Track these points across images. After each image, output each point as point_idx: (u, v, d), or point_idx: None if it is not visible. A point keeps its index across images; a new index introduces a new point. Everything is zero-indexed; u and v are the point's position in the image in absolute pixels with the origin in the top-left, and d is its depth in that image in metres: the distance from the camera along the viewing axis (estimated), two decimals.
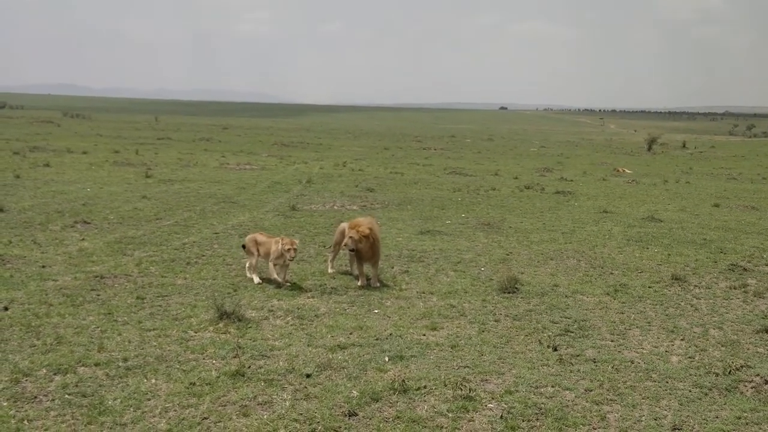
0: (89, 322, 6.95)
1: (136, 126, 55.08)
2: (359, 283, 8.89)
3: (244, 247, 9.21)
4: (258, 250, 8.92)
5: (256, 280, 8.80)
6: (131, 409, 5.08)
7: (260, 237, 9.13)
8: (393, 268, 9.82)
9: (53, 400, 5.18)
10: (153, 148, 31.50)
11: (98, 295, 7.87)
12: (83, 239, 10.84)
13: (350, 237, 8.88)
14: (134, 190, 16.81)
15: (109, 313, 7.23)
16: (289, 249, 8.53)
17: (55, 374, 5.63)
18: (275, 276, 8.70)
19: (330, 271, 9.55)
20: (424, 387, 5.68)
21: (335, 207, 15.64)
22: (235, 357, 6.10)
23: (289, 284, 8.69)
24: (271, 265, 8.72)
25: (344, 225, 9.68)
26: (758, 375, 6.08)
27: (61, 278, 8.49)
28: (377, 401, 5.38)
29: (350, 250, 9.00)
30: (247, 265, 9.08)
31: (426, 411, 5.26)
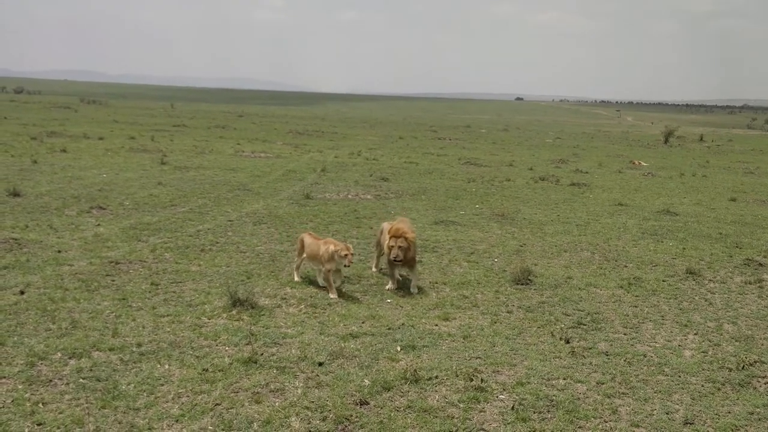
0: (104, 307, 7.02)
1: (152, 113, 55.35)
2: (390, 286, 8.32)
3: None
4: (303, 251, 8.31)
5: (296, 278, 8.39)
6: (144, 394, 5.14)
7: (307, 238, 8.42)
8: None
9: (68, 383, 5.25)
10: (168, 134, 31.64)
11: (113, 281, 7.94)
12: (99, 225, 10.94)
13: (399, 247, 8.04)
14: (150, 176, 16.91)
15: (124, 299, 7.31)
16: (345, 255, 7.74)
17: (70, 358, 5.70)
18: (321, 282, 8.14)
19: (373, 270, 9.08)
20: (436, 377, 5.69)
21: (349, 196, 15.64)
22: (247, 344, 6.15)
23: (335, 298, 7.78)
24: (318, 270, 8.15)
25: (386, 225, 9.07)
26: None
27: (77, 263, 8.58)
28: (389, 390, 5.40)
29: (398, 261, 8.11)
30: (294, 265, 8.58)
31: (437, 401, 5.27)
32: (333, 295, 7.81)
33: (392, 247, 8.09)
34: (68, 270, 8.26)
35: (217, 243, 10.16)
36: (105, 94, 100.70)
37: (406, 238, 8.10)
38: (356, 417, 4.95)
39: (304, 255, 8.29)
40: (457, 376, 5.72)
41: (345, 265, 7.84)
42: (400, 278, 8.54)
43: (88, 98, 73.57)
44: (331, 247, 7.85)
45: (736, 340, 6.97)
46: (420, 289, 8.25)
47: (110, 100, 79.03)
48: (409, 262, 8.20)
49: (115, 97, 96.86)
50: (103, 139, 26.98)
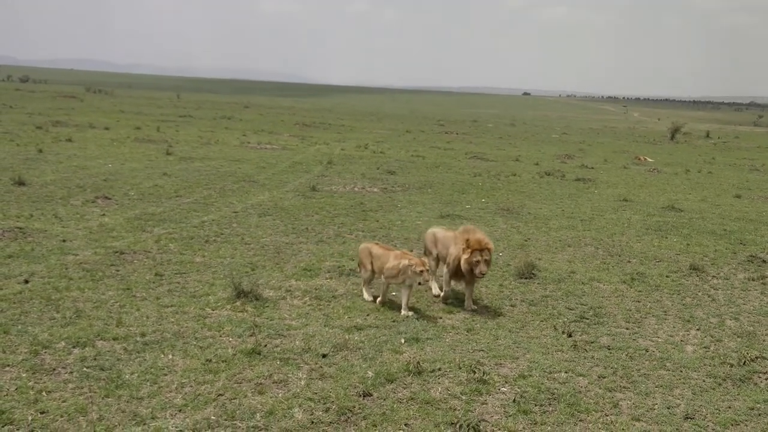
0: (108, 296, 7.06)
1: (158, 103, 55.40)
2: (436, 293, 7.77)
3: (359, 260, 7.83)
4: (372, 265, 7.49)
5: (367, 296, 7.55)
6: (148, 384, 5.17)
7: (375, 249, 7.59)
8: (412, 251, 9.81)
9: (71, 372, 5.29)
10: (174, 125, 31.68)
11: (117, 271, 7.98)
12: (104, 215, 10.98)
13: (485, 261, 7.24)
14: (155, 166, 16.95)
15: (128, 289, 7.34)
16: (421, 271, 7.00)
17: (73, 347, 5.74)
18: (388, 298, 7.41)
19: (436, 292, 7.97)
20: (439, 369, 5.72)
21: (356, 189, 15.65)
22: (251, 335, 6.17)
23: (412, 314, 7.12)
24: (385, 284, 7.35)
25: (435, 230, 8.38)
26: None
27: (82, 253, 8.62)
28: (392, 382, 5.43)
29: (483, 276, 7.37)
30: (362, 281, 7.73)
31: (440, 393, 5.29)
32: (407, 312, 7.14)
33: (477, 261, 7.22)
34: (73, 259, 8.30)
35: (222, 234, 10.19)
36: (111, 84, 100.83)
37: (489, 251, 7.33)
38: (359, 408, 4.98)
39: (373, 268, 7.51)
40: (460, 368, 5.74)
41: (419, 283, 7.11)
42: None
43: (94, 88, 73.67)
44: (405, 262, 7.10)
45: (738, 336, 6.98)
46: (476, 304, 7.56)
47: (116, 89, 79.12)
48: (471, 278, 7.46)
49: (121, 86, 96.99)
50: (108, 129, 27.04)
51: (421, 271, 7.00)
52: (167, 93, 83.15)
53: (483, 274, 7.32)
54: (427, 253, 8.33)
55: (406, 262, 7.09)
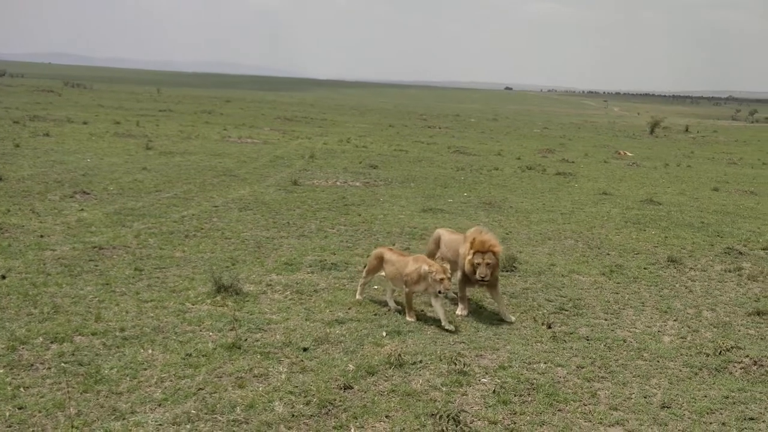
0: (87, 292, 7.00)
1: (138, 97, 54.83)
2: (461, 311, 7.13)
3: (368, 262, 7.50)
4: (378, 269, 7.20)
5: (358, 296, 7.33)
6: (127, 379, 5.14)
7: (389, 254, 7.20)
8: (395, 245, 9.84)
9: (49, 368, 5.24)
10: (154, 119, 31.39)
11: (96, 266, 7.91)
12: (82, 209, 10.86)
13: (487, 264, 6.83)
14: (134, 161, 16.80)
15: (107, 284, 7.28)
16: (442, 279, 6.55)
17: (51, 343, 5.68)
18: (410, 307, 6.87)
19: (459, 313, 7.30)
20: (420, 361, 5.75)
21: (338, 183, 15.63)
22: (231, 330, 6.15)
23: (413, 320, 6.78)
24: (407, 293, 6.85)
25: (440, 232, 7.98)
26: (748, 356, 6.14)
27: (60, 248, 8.53)
28: (373, 375, 5.44)
29: (485, 281, 6.94)
30: (387, 293, 7.31)
31: (421, 385, 5.32)
32: (411, 318, 6.81)
33: (478, 264, 6.84)
34: (51, 255, 8.21)
35: (202, 229, 10.13)
36: (90, 78, 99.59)
37: (494, 253, 6.91)
38: (340, 401, 4.99)
39: (382, 273, 7.21)
40: (441, 360, 5.77)
41: (439, 291, 6.63)
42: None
43: (72, 82, 72.75)
44: (425, 267, 6.68)
45: (714, 327, 7.08)
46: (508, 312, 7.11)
47: (95, 84, 78.15)
48: (493, 282, 7.05)
49: (99, 81, 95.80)
50: (87, 123, 26.72)
51: (442, 279, 6.54)
52: (147, 87, 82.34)
53: (483, 278, 6.86)
54: (428, 254, 7.83)
55: (426, 267, 6.66)
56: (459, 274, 7.23)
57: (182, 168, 16.22)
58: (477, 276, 6.90)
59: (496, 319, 7.00)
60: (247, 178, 15.38)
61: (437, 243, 7.84)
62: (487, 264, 6.83)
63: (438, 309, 6.71)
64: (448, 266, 6.79)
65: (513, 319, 6.95)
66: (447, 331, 6.53)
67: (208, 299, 6.99)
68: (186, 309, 6.71)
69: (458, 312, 7.11)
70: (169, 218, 10.67)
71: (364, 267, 7.54)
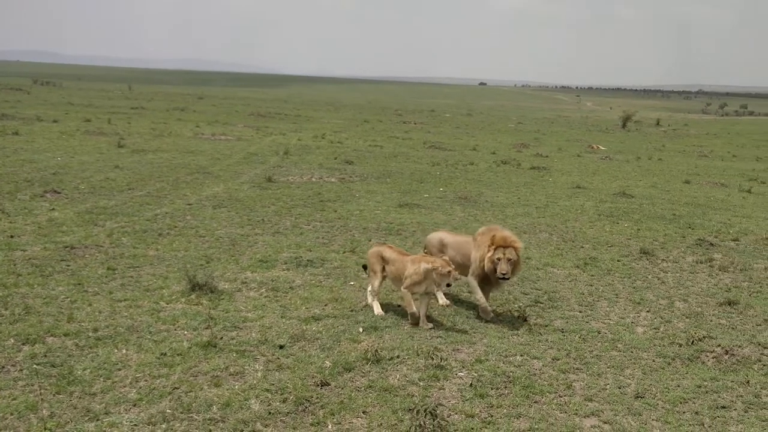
0: (59, 292, 6.88)
1: (109, 95, 54.04)
2: (486, 316, 6.84)
3: (365, 267, 7.28)
4: (384, 270, 6.91)
5: (377, 310, 6.83)
6: (101, 379, 5.07)
7: (389, 252, 6.96)
8: (371, 241, 9.84)
9: (21, 370, 5.15)
10: (126, 117, 30.96)
11: (68, 266, 7.78)
12: (53, 209, 10.68)
13: (508, 260, 6.62)
14: (106, 159, 16.55)
15: (79, 284, 7.17)
16: (448, 272, 6.38)
17: (23, 344, 5.59)
18: (414, 309, 6.60)
19: (441, 302, 7.25)
20: (397, 357, 5.75)
21: (313, 179, 15.57)
22: (207, 328, 6.10)
23: (432, 326, 6.53)
24: (407, 293, 6.62)
25: (441, 234, 7.72)
26: (719, 345, 6.25)
27: (30, 248, 8.38)
28: (350, 371, 5.44)
29: (506, 278, 6.72)
30: (368, 289, 7.09)
31: (398, 380, 5.32)
32: (426, 324, 6.53)
33: (499, 259, 6.62)
34: (21, 255, 8.06)
35: (176, 227, 10.02)
36: (59, 76, 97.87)
37: (515, 249, 6.70)
38: (317, 398, 4.97)
39: (386, 274, 6.91)
40: (418, 355, 5.79)
41: (447, 285, 6.44)
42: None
43: (41, 80, 71.42)
44: (427, 266, 6.47)
45: (686, 317, 7.20)
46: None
47: (65, 81, 76.86)
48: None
49: (69, 78, 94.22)
50: (57, 121, 26.26)
51: (449, 272, 6.35)
52: (118, 84, 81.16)
53: (504, 275, 6.62)
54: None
55: (428, 265, 6.44)
56: (471, 278, 6.94)
57: (155, 166, 16.03)
58: (498, 273, 6.63)
59: (472, 313, 7.03)
60: (221, 176, 15.25)
61: (440, 247, 7.45)
62: (509, 260, 6.62)
63: (422, 308, 6.61)
64: (448, 259, 6.65)
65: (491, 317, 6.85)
66: (427, 328, 6.47)
67: (182, 298, 6.92)
68: (160, 308, 6.63)
69: (486, 318, 6.80)
70: (142, 217, 10.54)
71: (365, 269, 7.21)
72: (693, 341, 6.35)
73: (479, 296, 6.92)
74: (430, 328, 6.48)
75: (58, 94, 50.53)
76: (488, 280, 6.89)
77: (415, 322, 6.54)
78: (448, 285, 6.44)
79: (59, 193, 12.00)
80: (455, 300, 7.44)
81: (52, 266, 7.72)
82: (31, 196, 11.63)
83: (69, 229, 9.48)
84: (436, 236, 7.72)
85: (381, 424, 4.65)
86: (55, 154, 17.06)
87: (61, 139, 20.56)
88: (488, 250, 6.71)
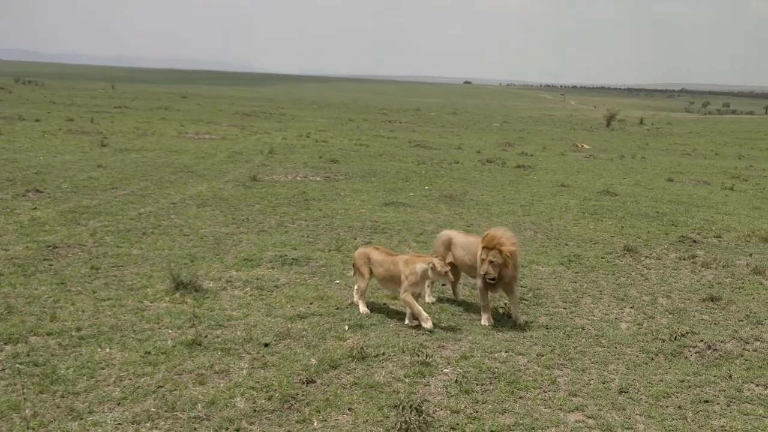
0: (41, 291, 6.82)
1: (92, 94, 53.58)
2: (485, 321, 6.65)
3: (354, 266, 7.06)
4: (371, 272, 6.79)
5: (363, 309, 6.76)
6: (84, 378, 5.03)
7: (376, 254, 6.83)
8: (356, 239, 9.83)
9: (3, 369, 5.09)
10: (109, 116, 30.71)
11: (51, 265, 7.71)
12: (35, 208, 10.57)
13: (490, 261, 6.41)
14: (89, 158, 16.41)
15: (62, 283, 7.10)
16: (446, 272, 6.38)
17: (5, 344, 5.53)
18: (419, 308, 6.44)
19: (428, 300, 7.21)
20: (383, 354, 5.75)
21: (298, 178, 15.54)
22: (191, 327, 6.06)
23: (416, 324, 6.44)
24: (408, 295, 6.43)
25: (451, 234, 7.52)
26: (702, 341, 6.31)
27: (12, 248, 8.29)
28: (335, 368, 5.43)
29: (490, 280, 6.54)
30: (355, 287, 6.99)
31: (383, 377, 5.33)
32: (428, 324, 6.35)
33: (482, 260, 6.48)
34: (3, 255, 7.97)
35: (160, 226, 9.96)
36: (41, 75, 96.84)
37: (500, 251, 6.42)
38: (302, 395, 4.97)
39: (371, 276, 6.81)
40: (404, 352, 5.79)
41: (442, 284, 6.33)
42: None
43: (23, 79, 70.66)
44: (424, 265, 6.37)
45: (669, 313, 7.27)
46: (522, 315, 6.87)
47: (47, 80, 76.08)
48: (508, 283, 6.68)
49: (52, 77, 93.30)
50: (39, 120, 26.01)
51: (446, 272, 6.33)
52: (101, 83, 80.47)
53: (485, 276, 6.47)
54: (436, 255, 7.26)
55: (422, 265, 6.34)
56: (479, 280, 6.73)
57: (138, 165, 15.92)
58: (480, 271, 6.52)
59: (458, 310, 7.06)
60: (205, 175, 15.17)
61: (447, 246, 7.28)
62: (490, 262, 6.40)
63: (422, 309, 6.49)
64: (442, 257, 6.57)
65: (523, 320, 6.72)
66: (426, 329, 6.35)
67: (166, 296, 6.88)
68: (144, 307, 6.59)
69: (483, 323, 6.62)
70: (125, 216, 10.46)
71: (353, 272, 7.10)
72: (676, 337, 6.41)
73: (481, 297, 6.78)
74: (415, 326, 6.45)
75: (41, 93, 50.04)
76: (492, 285, 6.69)
77: (425, 321, 6.37)
78: (443, 284, 6.42)
79: (42, 192, 11.88)
80: (439, 298, 7.46)
81: (35, 265, 7.64)
82: (13, 195, 11.51)
83: (52, 228, 9.39)
84: (445, 234, 7.54)
85: (366, 420, 4.65)
86: (38, 153, 16.89)
87: (43, 138, 20.36)
88: (480, 250, 6.63)
